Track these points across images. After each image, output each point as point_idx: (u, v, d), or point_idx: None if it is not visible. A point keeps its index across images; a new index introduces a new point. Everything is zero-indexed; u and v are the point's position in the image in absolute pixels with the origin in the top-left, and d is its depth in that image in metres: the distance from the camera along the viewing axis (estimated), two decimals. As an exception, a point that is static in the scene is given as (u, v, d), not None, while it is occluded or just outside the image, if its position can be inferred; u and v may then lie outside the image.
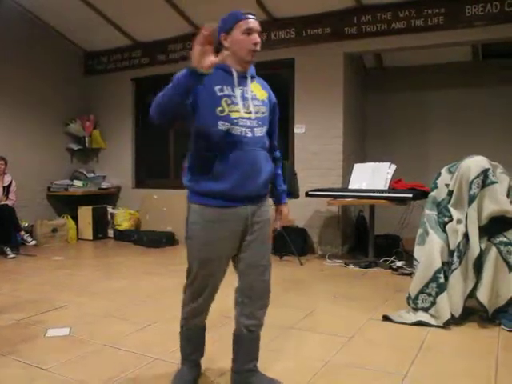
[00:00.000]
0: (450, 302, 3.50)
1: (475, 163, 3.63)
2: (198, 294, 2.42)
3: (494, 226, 3.56)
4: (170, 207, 7.31)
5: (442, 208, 3.79)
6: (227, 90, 2.23)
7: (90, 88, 8.35)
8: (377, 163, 5.63)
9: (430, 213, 3.81)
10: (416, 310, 3.62)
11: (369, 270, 5.38)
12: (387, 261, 5.45)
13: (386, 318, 3.61)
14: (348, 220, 6.57)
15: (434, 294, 3.53)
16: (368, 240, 5.68)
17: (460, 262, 3.51)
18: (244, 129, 2.23)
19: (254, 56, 2.28)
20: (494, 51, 6.60)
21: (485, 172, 3.57)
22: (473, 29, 5.59)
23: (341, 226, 6.32)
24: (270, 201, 2.48)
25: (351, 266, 5.51)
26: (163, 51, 7.57)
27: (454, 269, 3.52)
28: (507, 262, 3.46)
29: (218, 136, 2.19)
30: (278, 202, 2.68)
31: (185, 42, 7.26)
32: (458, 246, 3.53)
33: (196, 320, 2.52)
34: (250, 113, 2.26)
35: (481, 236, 3.53)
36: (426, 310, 3.57)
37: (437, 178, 3.95)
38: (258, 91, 2.38)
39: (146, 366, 2.81)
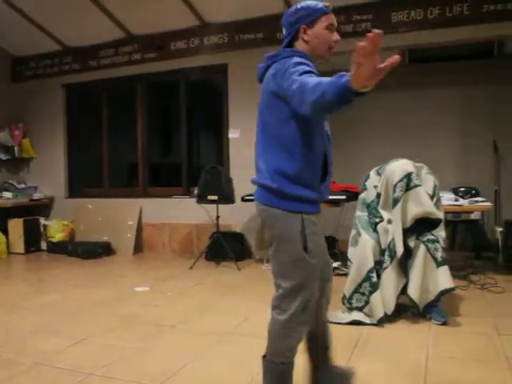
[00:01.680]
0: (382, 300, 3.59)
1: (399, 167, 3.76)
2: (302, 316, 2.08)
3: (422, 226, 3.70)
4: (105, 217, 7.14)
5: (372, 209, 3.89)
6: None
7: (19, 95, 8.03)
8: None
9: (361, 214, 3.91)
10: (351, 309, 3.69)
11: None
12: (324, 262, 5.51)
13: (322, 319, 3.66)
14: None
15: (367, 293, 3.61)
16: (304, 242, 5.73)
17: (391, 261, 3.61)
18: (327, 124, 2.16)
19: (331, 53, 2.12)
20: (420, 56, 6.86)
21: (408, 175, 3.70)
22: (399, 34, 5.79)
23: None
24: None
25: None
26: (95, 57, 7.40)
27: (386, 267, 3.62)
28: (435, 258, 3.59)
29: (321, 135, 2.07)
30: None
31: (117, 48, 7.15)
32: (389, 245, 3.63)
33: (295, 346, 2.14)
34: None
35: (409, 235, 3.66)
36: (360, 309, 3.64)
37: (366, 180, 4.06)
38: None
39: (80, 383, 2.71)
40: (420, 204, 3.65)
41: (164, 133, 9.25)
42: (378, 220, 3.79)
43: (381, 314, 3.55)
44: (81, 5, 6.32)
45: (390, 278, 3.61)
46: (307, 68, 1.89)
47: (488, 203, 5.14)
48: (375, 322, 3.55)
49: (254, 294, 4.56)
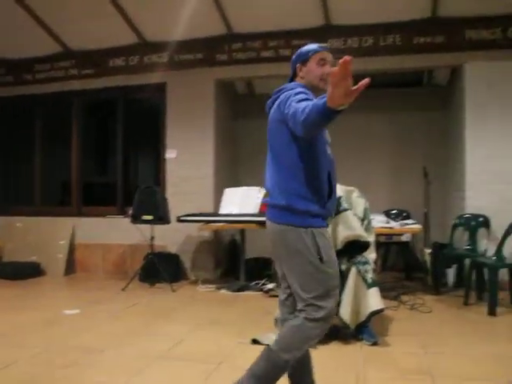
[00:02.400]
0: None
1: None
2: (322, 330, 2.25)
3: (353, 249, 3.77)
4: (35, 236, 6.87)
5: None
6: None
7: None
8: (247, 188, 5.75)
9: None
10: (284, 331, 3.68)
11: (241, 293, 5.43)
12: (259, 283, 5.53)
13: (254, 342, 3.63)
14: (220, 244, 6.61)
15: (299, 314, 3.62)
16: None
17: (323, 283, 3.64)
18: (329, 150, 2.36)
19: (325, 84, 2.29)
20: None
21: (337, 200, 3.78)
22: (336, 61, 5.94)
23: (213, 251, 6.34)
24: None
25: (223, 291, 5.52)
26: (30, 70, 7.17)
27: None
28: (365, 280, 3.67)
29: (325, 157, 2.29)
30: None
31: (53, 63, 6.96)
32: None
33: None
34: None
35: (341, 257, 3.70)
36: (292, 330, 3.64)
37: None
38: None
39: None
40: (349, 227, 3.73)
41: (100, 151, 9.06)
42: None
43: (313, 336, 3.56)
44: (16, 17, 6.13)
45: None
46: (305, 96, 2.16)
47: (417, 226, 5.32)
48: (307, 344, 3.56)
49: (189, 316, 4.50)
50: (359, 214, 3.92)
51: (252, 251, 6.12)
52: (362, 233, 3.78)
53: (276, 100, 2.37)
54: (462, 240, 5.59)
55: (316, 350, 3.50)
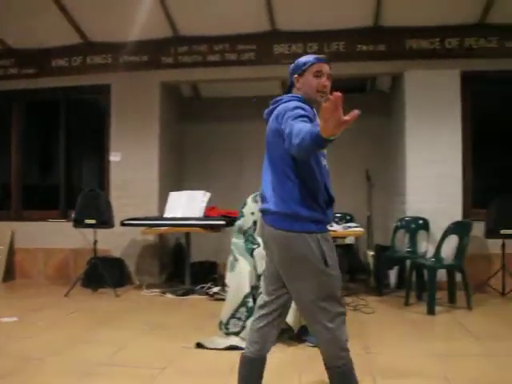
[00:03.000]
0: (258, 325, 3.63)
1: None
2: (343, 332, 2.31)
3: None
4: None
5: (248, 236, 3.97)
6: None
7: None
8: (192, 191, 5.72)
9: (237, 241, 3.97)
10: (228, 334, 3.70)
11: (186, 297, 5.39)
12: (204, 287, 5.51)
13: (199, 345, 3.62)
14: (165, 248, 6.54)
15: (243, 318, 3.65)
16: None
17: (266, 286, 3.67)
18: (325, 160, 2.42)
19: (323, 95, 2.37)
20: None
21: None
22: (280, 66, 6.03)
23: (158, 255, 6.27)
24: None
25: (168, 295, 5.47)
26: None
27: (261, 292, 3.66)
28: (308, 283, 3.71)
29: (323, 168, 2.37)
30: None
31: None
32: (264, 270, 3.70)
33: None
34: None
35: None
36: (237, 333, 3.67)
37: (243, 207, 4.13)
38: None
39: None
40: None
41: (42, 153, 8.79)
42: (254, 246, 3.86)
43: (257, 339, 3.58)
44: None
45: (265, 303, 3.67)
46: (302, 112, 2.21)
47: (360, 229, 5.44)
48: (251, 347, 3.58)
49: (132, 322, 4.43)
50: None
51: (197, 255, 6.09)
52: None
53: (274, 110, 2.41)
54: (403, 242, 5.76)
55: (259, 352, 3.55)
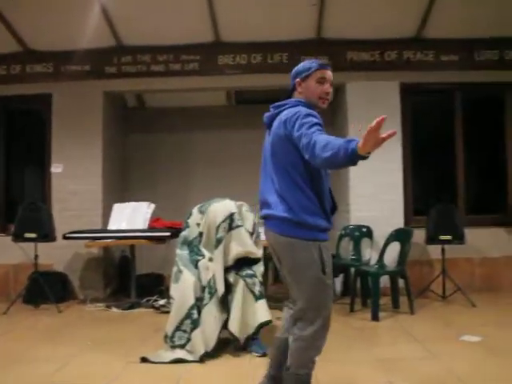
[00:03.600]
0: (203, 337, 3.61)
1: (222, 208, 3.89)
2: (324, 336, 2.46)
3: (241, 262, 3.83)
4: None
5: (193, 247, 3.94)
6: None
7: None
8: (136, 203, 5.63)
9: (181, 252, 3.93)
10: (173, 347, 3.65)
11: (131, 311, 5.29)
12: (150, 300, 5.43)
13: (144, 360, 3.56)
14: (110, 261, 6.40)
15: (189, 330, 3.61)
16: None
17: (211, 298, 3.67)
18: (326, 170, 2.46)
19: (326, 102, 2.47)
20: (246, 98, 7.23)
21: (231, 216, 3.85)
22: (225, 76, 6.07)
23: (102, 269, 6.12)
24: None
25: (113, 309, 5.35)
26: None
27: (206, 304, 3.67)
28: (253, 292, 3.73)
29: (323, 177, 2.41)
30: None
31: None
32: (209, 282, 3.70)
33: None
34: None
35: (229, 270, 3.76)
36: (182, 346, 3.63)
37: (188, 218, 4.10)
38: None
39: None
40: (242, 244, 3.80)
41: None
42: (199, 258, 3.84)
43: (202, 351, 3.56)
44: None
45: (210, 315, 3.66)
46: (315, 120, 2.26)
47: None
48: (197, 359, 3.54)
49: (75, 338, 4.29)
50: (248, 228, 3.99)
51: (143, 267, 6.00)
52: (253, 249, 3.86)
53: (277, 115, 2.47)
54: (347, 250, 5.86)
55: (205, 364, 3.53)
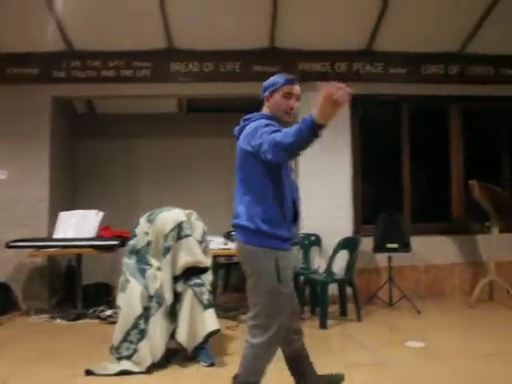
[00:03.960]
0: (151, 347, 3.56)
1: (170, 216, 3.86)
2: (277, 339, 2.54)
3: (189, 271, 3.81)
4: None
5: (141, 256, 3.88)
6: None
7: None
8: (84, 211, 5.50)
9: (129, 261, 3.87)
10: (120, 358, 3.58)
11: (77, 322, 5.15)
12: (97, 311, 5.30)
13: (89, 373, 3.47)
14: (56, 271, 6.21)
15: (135, 340, 3.55)
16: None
17: (159, 307, 3.63)
18: (289, 177, 2.58)
19: (291, 116, 2.59)
20: (198, 106, 7.22)
21: (179, 225, 3.82)
22: (177, 84, 6.03)
23: (47, 279, 5.92)
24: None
25: (58, 320, 5.19)
26: None
27: (153, 314, 3.62)
28: (201, 302, 3.71)
29: (283, 184, 2.49)
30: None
31: None
32: (157, 291, 3.65)
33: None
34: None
35: (177, 280, 3.73)
36: (129, 357, 3.56)
37: (136, 227, 4.05)
38: None
39: None
40: (191, 253, 3.78)
41: None
42: (147, 267, 3.79)
43: (149, 362, 3.51)
44: None
45: (157, 325, 3.61)
46: (273, 128, 2.36)
47: (255, 246, 5.49)
48: (144, 370, 3.49)
49: (17, 352, 4.12)
50: (197, 237, 3.98)
51: (90, 277, 5.86)
52: (202, 259, 3.85)
53: (244, 128, 2.56)
54: (297, 258, 5.90)
55: (151, 375, 3.48)
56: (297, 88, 2.60)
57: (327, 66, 6.11)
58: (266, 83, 2.65)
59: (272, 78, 2.64)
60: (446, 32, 5.89)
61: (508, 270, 6.25)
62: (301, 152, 2.26)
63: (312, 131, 2.06)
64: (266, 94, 2.61)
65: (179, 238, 3.79)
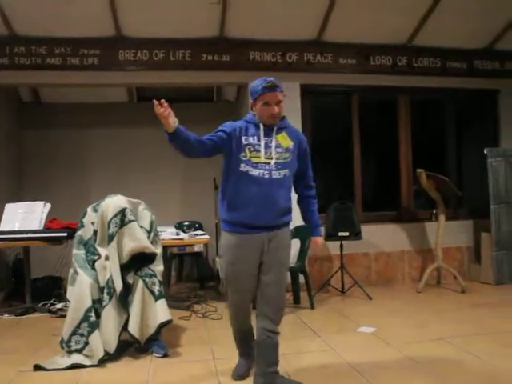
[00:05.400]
0: (103, 339, 3.50)
1: (113, 203, 3.79)
2: (232, 304, 3.07)
3: (139, 261, 3.76)
4: None
5: (89, 247, 3.81)
6: (253, 140, 2.80)
7: None
8: (31, 202, 5.31)
9: (78, 252, 3.78)
10: (70, 352, 3.50)
11: (26, 317, 5.00)
12: (47, 304, 5.17)
13: (37, 368, 3.38)
14: (3, 265, 6.02)
15: (86, 333, 3.48)
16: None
17: (110, 298, 3.56)
18: (262, 171, 2.76)
19: (275, 119, 2.82)
20: (148, 95, 7.10)
21: (122, 211, 3.75)
22: (126, 72, 5.90)
23: (-6, 272, 5.75)
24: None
25: (6, 315, 5.03)
26: None
27: (105, 305, 3.55)
28: (152, 292, 3.67)
29: (239, 175, 2.77)
30: (315, 235, 3.14)
31: None
32: (108, 282, 3.58)
33: (239, 325, 3.16)
34: (270, 159, 2.78)
35: (128, 271, 3.67)
36: (79, 351, 3.49)
37: (83, 217, 3.96)
38: (283, 140, 2.87)
39: None
40: (135, 239, 3.71)
41: None
42: (95, 257, 3.72)
43: (101, 354, 3.44)
44: None
45: (110, 316, 3.54)
46: (215, 132, 2.84)
47: (206, 236, 5.50)
48: (96, 363, 3.43)
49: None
50: (146, 227, 3.93)
51: (40, 270, 5.71)
52: (148, 244, 3.79)
53: None
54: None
55: (104, 368, 3.43)
56: (275, 95, 2.75)
57: (278, 55, 6.11)
58: (250, 88, 2.86)
59: (254, 84, 2.81)
60: (395, 24, 5.98)
61: (454, 255, 6.49)
62: (181, 153, 2.77)
63: (168, 138, 2.65)
64: (251, 99, 2.84)
65: (123, 224, 3.72)
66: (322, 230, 3.26)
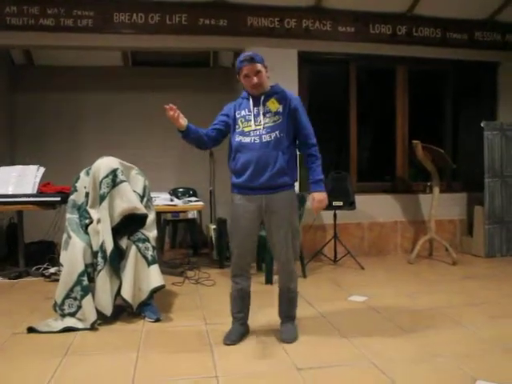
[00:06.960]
0: (99, 303, 3.52)
1: (104, 164, 3.76)
2: (232, 262, 3.29)
3: (132, 225, 3.75)
4: None
5: (82, 211, 3.80)
6: (244, 112, 3.14)
7: None
8: (24, 166, 5.27)
9: (71, 216, 3.77)
10: (63, 316, 3.51)
11: (19, 280, 5.03)
12: (40, 268, 5.19)
13: (31, 330, 3.40)
14: (-4, 229, 6.03)
15: (79, 297, 3.49)
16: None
17: (105, 263, 3.56)
18: (253, 137, 3.06)
19: (258, 88, 3.09)
20: (144, 59, 7.00)
21: (114, 172, 3.72)
22: (121, 36, 5.78)
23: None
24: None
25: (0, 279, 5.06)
26: None
27: (100, 269, 3.56)
28: (145, 257, 3.69)
29: (236, 146, 3.13)
30: (311, 191, 3.24)
31: None
32: (101, 246, 3.58)
33: (237, 285, 3.28)
34: (259, 125, 3.07)
35: (121, 236, 3.67)
36: (72, 314, 3.50)
37: (76, 182, 3.94)
38: (272, 105, 3.10)
39: None
40: (126, 200, 3.69)
41: None
42: (88, 221, 3.71)
43: (94, 318, 3.46)
44: None
45: (105, 280, 3.55)
46: (219, 114, 3.30)
47: (200, 203, 5.49)
48: (88, 327, 3.45)
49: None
50: (139, 192, 3.91)
51: (33, 234, 5.70)
52: (139, 205, 3.77)
53: None
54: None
55: (97, 331, 3.46)
56: (252, 67, 3.02)
57: (276, 21, 6.00)
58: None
59: (236, 61, 3.11)
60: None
61: (447, 228, 6.53)
62: (195, 146, 3.30)
63: (180, 135, 3.15)
64: (237, 76, 3.14)
65: (114, 184, 3.69)
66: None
